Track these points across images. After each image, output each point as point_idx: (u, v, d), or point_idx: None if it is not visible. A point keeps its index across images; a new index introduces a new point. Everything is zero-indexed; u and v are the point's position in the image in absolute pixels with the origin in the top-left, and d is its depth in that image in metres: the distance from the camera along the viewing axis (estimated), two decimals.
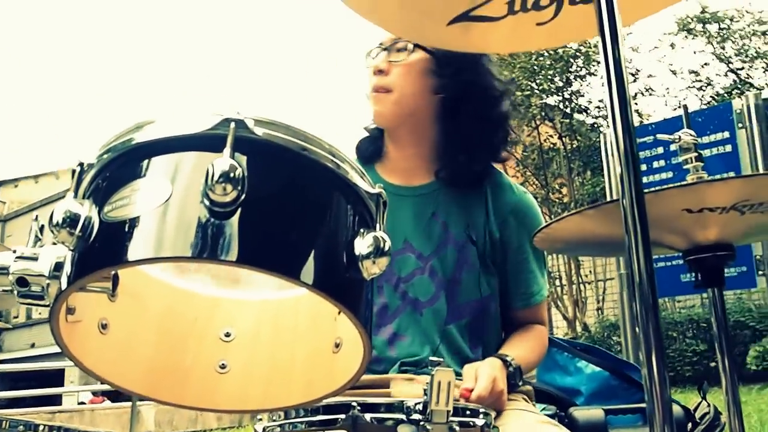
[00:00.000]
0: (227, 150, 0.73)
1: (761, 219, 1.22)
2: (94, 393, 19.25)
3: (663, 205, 0.95)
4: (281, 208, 0.77)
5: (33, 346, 27.22)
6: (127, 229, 0.73)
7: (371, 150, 2.00)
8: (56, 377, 21.51)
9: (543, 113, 13.50)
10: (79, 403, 17.96)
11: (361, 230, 0.81)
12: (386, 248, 0.80)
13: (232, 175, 0.71)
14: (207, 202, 0.71)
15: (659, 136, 1.35)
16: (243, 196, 0.72)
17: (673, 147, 1.34)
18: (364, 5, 1.23)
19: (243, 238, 0.72)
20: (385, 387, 1.59)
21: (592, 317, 13.44)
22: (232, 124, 0.75)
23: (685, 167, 1.35)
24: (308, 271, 0.75)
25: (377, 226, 0.84)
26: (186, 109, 0.79)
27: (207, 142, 0.76)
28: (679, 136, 1.35)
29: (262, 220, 0.74)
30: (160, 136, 0.77)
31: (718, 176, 1.23)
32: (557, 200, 13.66)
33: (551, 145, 13.88)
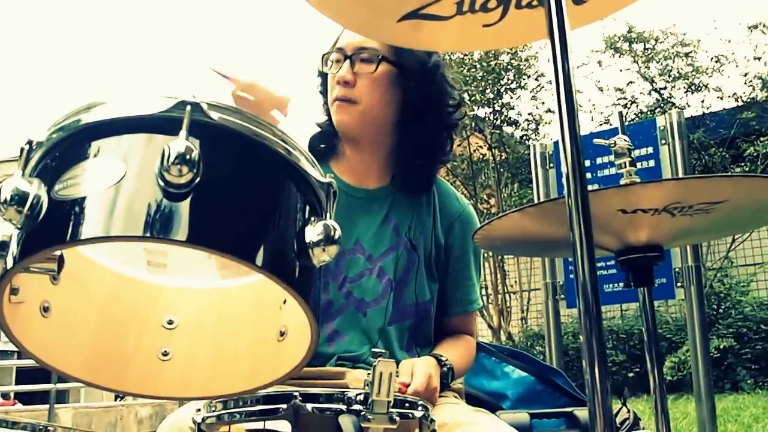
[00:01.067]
0: (183, 132, 0.73)
1: (689, 222, 1.28)
2: (4, 396, 18.50)
3: (600, 205, 0.98)
4: (234, 192, 0.77)
5: None
6: (77, 208, 0.73)
7: (325, 147, 1.99)
8: None
9: (473, 124, 13.65)
10: None
11: (312, 218, 0.82)
12: (336, 236, 0.81)
13: (188, 157, 0.71)
14: (162, 183, 0.71)
15: (596, 140, 1.40)
16: (198, 179, 0.72)
17: (600, 160, 1.39)
18: None
19: (196, 220, 0.72)
20: (337, 378, 1.61)
21: (516, 327, 13.62)
22: (188, 107, 0.75)
23: (619, 171, 1.41)
24: (260, 255, 0.76)
25: (327, 215, 0.85)
26: (140, 91, 0.79)
27: (161, 124, 0.76)
28: (615, 141, 1.40)
29: (216, 203, 0.75)
30: (113, 116, 0.77)
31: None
32: (485, 210, 13.80)
33: (480, 156, 14.04)
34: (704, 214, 1.24)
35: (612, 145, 1.40)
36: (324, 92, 1.97)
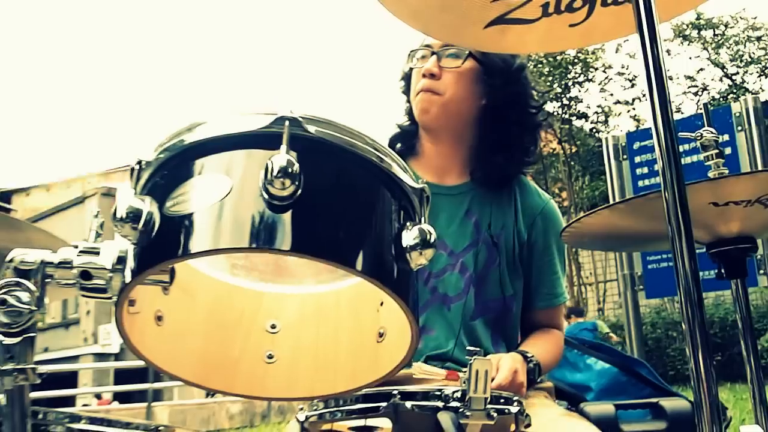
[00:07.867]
0: (284, 146, 0.77)
1: None
2: (98, 396, 19.00)
3: (690, 199, 0.98)
4: (332, 201, 0.80)
5: (46, 350, 27.42)
6: (188, 223, 0.77)
7: (405, 146, 2.05)
8: (69, 380, 21.44)
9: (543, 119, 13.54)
10: (83, 406, 17.86)
11: (407, 223, 0.85)
12: (432, 240, 0.84)
13: (290, 170, 0.74)
14: (266, 196, 0.75)
15: (681, 134, 1.39)
16: (299, 191, 0.76)
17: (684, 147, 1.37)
18: (406, 11, 1.27)
19: (300, 230, 0.76)
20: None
21: (593, 318, 13.48)
22: (287, 122, 0.79)
23: (706, 164, 1.39)
24: (360, 260, 0.79)
25: (421, 219, 0.88)
26: (239, 109, 0.83)
27: (262, 139, 0.79)
28: (701, 134, 1.39)
29: (316, 213, 0.78)
30: (216, 134, 0.81)
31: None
32: (557, 204, 13.72)
33: (551, 150, 13.95)
34: None
35: (698, 138, 1.40)
36: (407, 92, 2.02)
